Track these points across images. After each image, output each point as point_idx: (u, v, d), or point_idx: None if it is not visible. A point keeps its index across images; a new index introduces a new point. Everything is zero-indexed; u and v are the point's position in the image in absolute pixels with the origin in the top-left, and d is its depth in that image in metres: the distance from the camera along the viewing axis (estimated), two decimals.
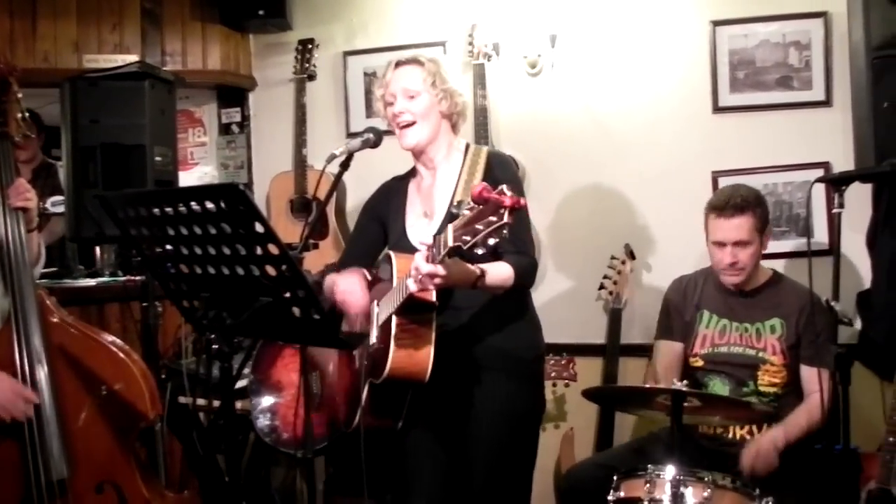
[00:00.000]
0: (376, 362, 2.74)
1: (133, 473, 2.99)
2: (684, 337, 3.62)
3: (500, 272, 2.78)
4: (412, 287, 2.52)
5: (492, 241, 2.22)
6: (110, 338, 3.08)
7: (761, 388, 3.46)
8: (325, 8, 4.78)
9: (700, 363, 3.55)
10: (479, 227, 2.21)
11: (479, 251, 2.25)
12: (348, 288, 2.92)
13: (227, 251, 2.19)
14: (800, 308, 3.43)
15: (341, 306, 2.93)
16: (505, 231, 2.20)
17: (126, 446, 3.00)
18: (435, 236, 2.43)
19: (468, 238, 2.23)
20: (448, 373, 2.77)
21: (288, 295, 2.21)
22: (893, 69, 3.51)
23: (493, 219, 2.20)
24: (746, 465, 3.24)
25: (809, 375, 3.40)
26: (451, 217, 2.28)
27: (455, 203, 2.73)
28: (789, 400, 3.45)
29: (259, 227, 2.06)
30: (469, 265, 2.63)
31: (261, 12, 4.68)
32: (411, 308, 2.64)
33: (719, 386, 3.50)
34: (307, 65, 4.66)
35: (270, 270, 2.18)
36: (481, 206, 2.23)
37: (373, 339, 2.80)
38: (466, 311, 2.93)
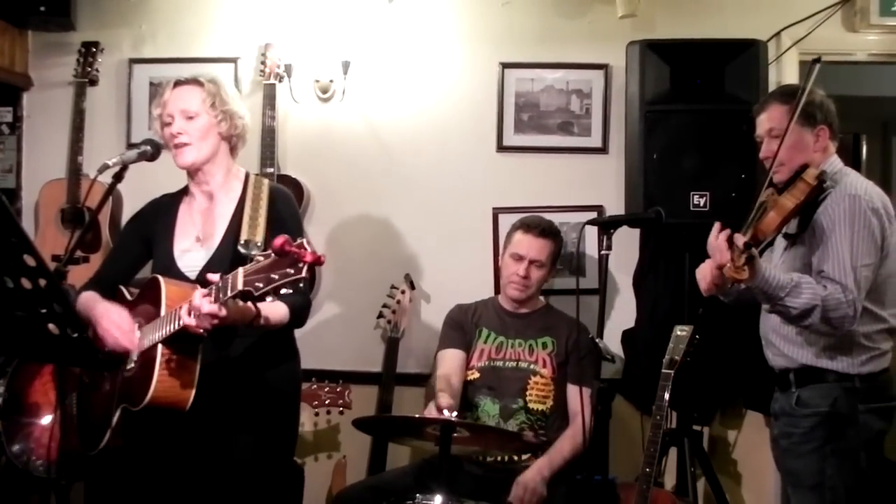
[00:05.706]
0: (133, 388, 2.63)
1: None
2: (466, 348, 3.76)
3: (276, 313, 2.76)
4: (188, 321, 2.46)
5: (284, 291, 2.26)
6: None
7: (530, 405, 3.61)
8: (113, 11, 4.55)
9: (476, 376, 3.69)
10: (275, 276, 2.26)
11: (269, 299, 2.31)
12: (118, 323, 2.72)
13: None
14: (569, 331, 3.70)
15: (101, 333, 2.75)
16: (301, 284, 2.26)
17: None
18: (223, 276, 2.42)
19: (261, 285, 2.27)
20: (206, 400, 2.69)
21: (44, 311, 2.10)
22: (664, 122, 3.76)
23: (291, 271, 2.24)
24: (516, 501, 3.36)
25: (573, 394, 3.59)
26: (238, 257, 2.27)
27: (243, 242, 2.72)
28: (556, 423, 3.62)
29: (14, 236, 1.95)
30: (248, 305, 2.60)
31: (42, 8, 4.38)
32: (178, 338, 2.57)
33: (489, 405, 3.63)
34: (90, 69, 4.42)
35: (26, 283, 2.05)
36: (279, 258, 2.26)
37: (131, 363, 2.69)
38: (237, 339, 2.88)
